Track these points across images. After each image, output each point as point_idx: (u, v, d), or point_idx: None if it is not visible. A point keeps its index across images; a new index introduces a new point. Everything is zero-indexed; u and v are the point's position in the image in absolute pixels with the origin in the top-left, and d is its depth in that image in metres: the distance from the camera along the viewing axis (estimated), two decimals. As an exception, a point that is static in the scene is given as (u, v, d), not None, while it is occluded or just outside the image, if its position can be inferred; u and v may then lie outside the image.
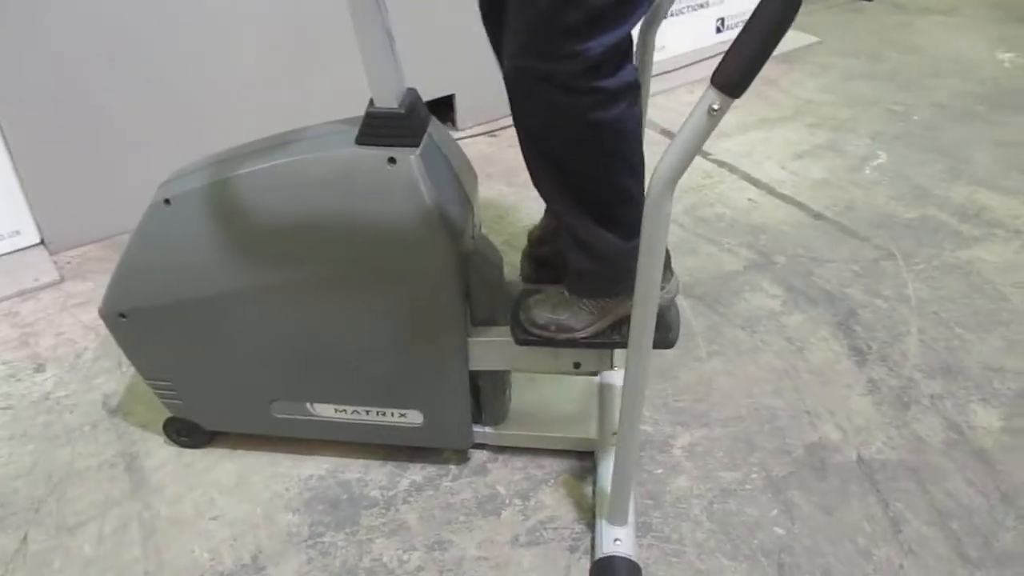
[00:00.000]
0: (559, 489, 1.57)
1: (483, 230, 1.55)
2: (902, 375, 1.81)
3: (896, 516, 1.51)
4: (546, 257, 1.58)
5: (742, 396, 1.77)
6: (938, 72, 3.24)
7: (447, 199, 1.31)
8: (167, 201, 1.35)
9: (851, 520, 1.51)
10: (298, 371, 1.50)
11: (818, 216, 2.36)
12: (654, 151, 1.08)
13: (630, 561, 1.37)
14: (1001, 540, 1.46)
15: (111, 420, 1.74)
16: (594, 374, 1.72)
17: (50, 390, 1.82)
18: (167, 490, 1.59)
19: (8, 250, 2.22)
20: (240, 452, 1.66)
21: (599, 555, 1.39)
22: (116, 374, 1.86)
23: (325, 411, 1.55)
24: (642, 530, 1.49)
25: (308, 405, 1.55)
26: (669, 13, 2.03)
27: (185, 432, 1.65)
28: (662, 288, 1.20)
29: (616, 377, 1.65)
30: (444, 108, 2.79)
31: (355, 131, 1.28)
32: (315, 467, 1.62)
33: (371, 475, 1.61)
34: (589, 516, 1.51)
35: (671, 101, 2.98)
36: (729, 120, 2.69)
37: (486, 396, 1.56)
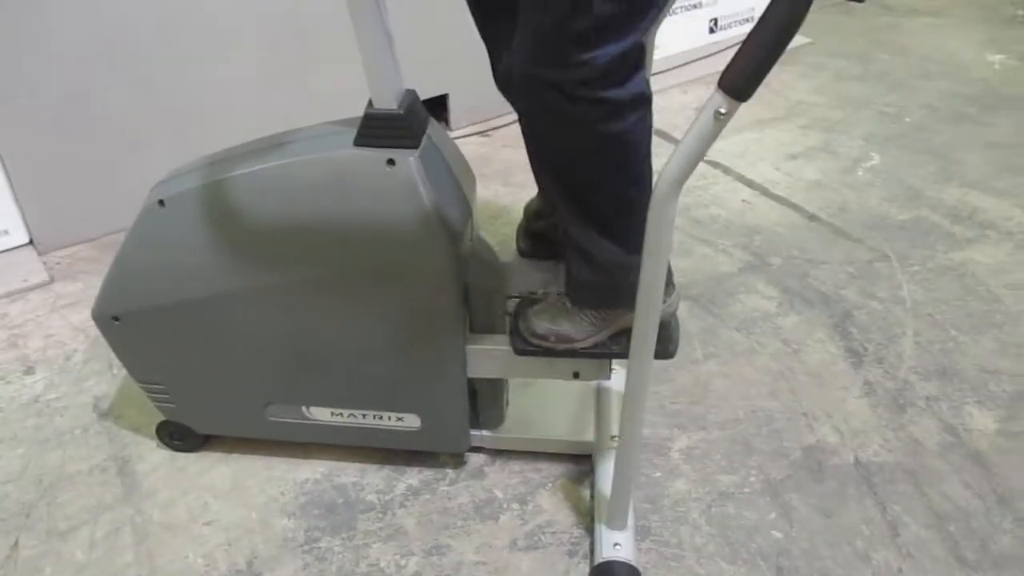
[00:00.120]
0: (557, 493, 1.56)
1: (478, 231, 1.54)
2: (898, 377, 1.81)
3: (894, 519, 1.51)
4: (543, 231, 1.57)
5: (739, 398, 1.77)
6: (928, 74, 3.24)
7: (446, 201, 1.30)
8: (162, 202, 1.33)
9: (849, 523, 1.51)
10: (294, 374, 1.49)
11: (812, 217, 2.37)
12: (647, 152, 1.08)
13: (630, 566, 1.37)
14: (998, 543, 1.47)
15: (102, 423, 1.72)
16: (591, 377, 1.72)
17: (40, 392, 1.80)
18: (160, 494, 1.57)
19: (-4, 250, 2.20)
20: (234, 456, 1.64)
21: (599, 559, 1.38)
22: (107, 376, 1.83)
23: (321, 415, 1.54)
24: (641, 534, 1.48)
25: (304, 408, 1.53)
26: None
27: (178, 436, 1.63)
28: (664, 301, 1.19)
29: (613, 380, 1.64)
30: (438, 108, 2.77)
31: (353, 132, 1.27)
32: (310, 471, 1.61)
33: (367, 479, 1.59)
34: (587, 520, 1.50)
35: (664, 101, 2.98)
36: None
37: (483, 399, 1.55)
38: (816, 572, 1.42)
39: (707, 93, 3.34)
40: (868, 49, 3.45)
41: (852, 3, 3.91)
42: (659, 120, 2.75)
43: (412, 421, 1.52)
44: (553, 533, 1.49)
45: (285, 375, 1.49)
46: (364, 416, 1.53)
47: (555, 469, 1.60)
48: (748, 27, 3.78)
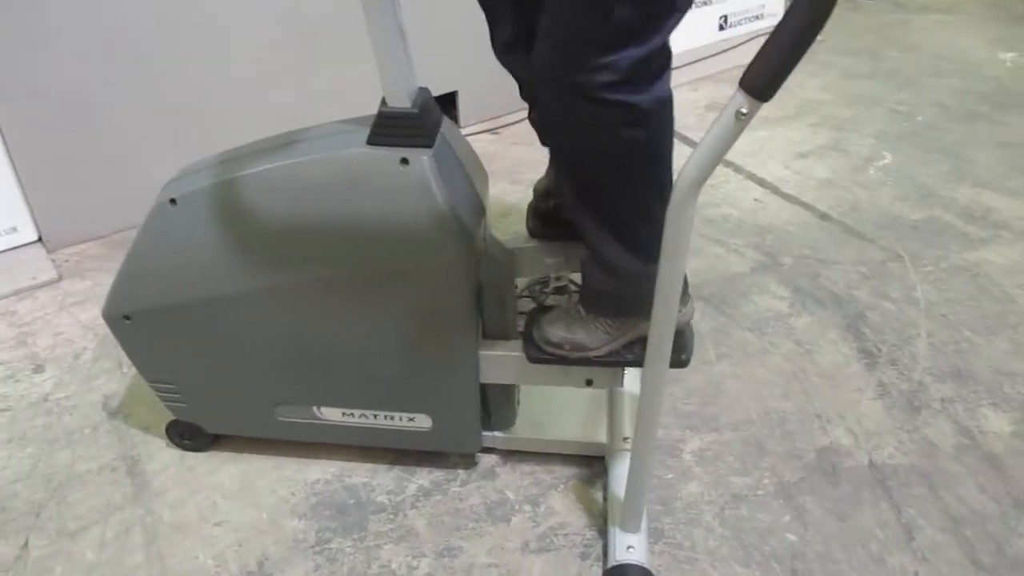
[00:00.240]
0: (569, 495, 1.55)
1: (489, 230, 1.53)
2: (912, 379, 1.80)
3: (909, 522, 1.50)
4: (552, 212, 1.56)
5: (751, 399, 1.75)
6: (939, 71, 3.22)
7: (460, 200, 1.29)
8: (173, 201, 1.32)
9: (864, 526, 1.49)
10: (305, 374, 1.48)
11: (824, 217, 2.35)
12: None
13: (643, 568, 1.35)
14: (1014, 546, 1.45)
15: (111, 422, 1.71)
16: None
17: (49, 391, 1.79)
18: (169, 494, 1.56)
19: (5, 247, 2.19)
20: (244, 455, 1.63)
21: (612, 562, 1.37)
22: (116, 375, 1.83)
23: (332, 415, 1.53)
24: (654, 536, 1.47)
25: (314, 408, 1.52)
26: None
27: (188, 435, 1.62)
28: (679, 310, 1.18)
29: (626, 382, 1.62)
30: (447, 105, 2.76)
31: (366, 131, 1.26)
32: (321, 471, 1.60)
33: (378, 480, 1.58)
34: (600, 522, 1.49)
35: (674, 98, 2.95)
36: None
37: (495, 400, 1.54)
38: (831, 576, 1.41)
39: (717, 90, 3.33)
40: (878, 46, 3.43)
41: (863, 0, 3.88)
42: (669, 118, 2.76)
43: (423, 422, 1.51)
44: (565, 535, 1.48)
45: (296, 375, 1.48)
46: (375, 416, 1.52)
47: (567, 470, 1.59)
48: (758, 24, 3.79)
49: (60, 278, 2.13)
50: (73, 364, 1.86)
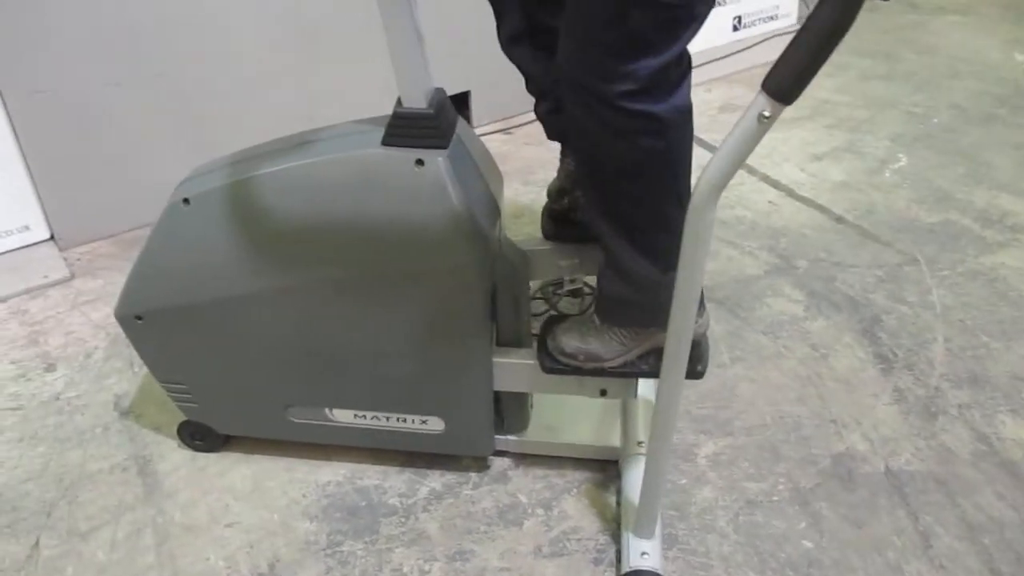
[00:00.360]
0: (582, 499, 1.54)
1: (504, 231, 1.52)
2: (929, 384, 1.78)
3: (926, 530, 1.48)
4: (565, 212, 1.55)
5: (766, 404, 1.74)
6: (956, 73, 3.20)
7: (475, 202, 1.27)
8: (186, 200, 1.32)
9: (880, 534, 1.48)
10: (317, 375, 1.47)
11: (839, 219, 2.33)
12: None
13: (657, 575, 1.34)
14: (1034, 556, 1.44)
15: (123, 422, 1.71)
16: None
17: (60, 390, 1.79)
18: (181, 495, 1.56)
19: (17, 246, 2.19)
20: (255, 456, 1.62)
21: (626, 568, 1.36)
22: (127, 374, 1.82)
23: (344, 416, 1.52)
24: (667, 542, 1.46)
25: (326, 410, 1.51)
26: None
27: (199, 436, 1.61)
28: (695, 320, 1.17)
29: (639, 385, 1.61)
30: (459, 105, 2.75)
31: (381, 131, 1.25)
32: (332, 473, 1.59)
33: (389, 482, 1.57)
34: (613, 527, 1.48)
35: (687, 100, 2.94)
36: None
37: (508, 403, 1.53)
38: (847, 584, 1.40)
39: (731, 91, 3.31)
40: (894, 48, 3.40)
41: (877, 1, 3.86)
42: (683, 119, 2.74)
43: (436, 424, 1.50)
44: (578, 540, 1.47)
45: (308, 376, 1.48)
46: (387, 418, 1.51)
47: (580, 474, 1.58)
48: (772, 25, 3.76)
49: (72, 277, 2.13)
50: (84, 363, 1.86)
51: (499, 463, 1.61)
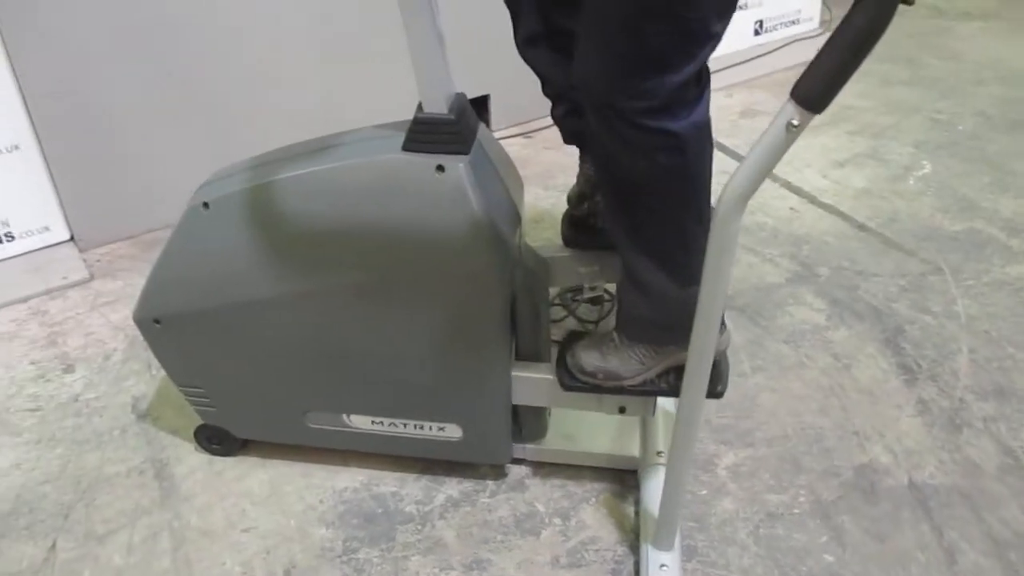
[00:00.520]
0: (600, 508, 1.52)
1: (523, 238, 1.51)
2: (953, 396, 1.75)
3: (950, 545, 1.45)
4: (585, 217, 1.55)
5: (787, 414, 1.72)
6: (980, 79, 3.16)
7: (496, 208, 1.26)
8: (206, 204, 1.31)
9: (904, 548, 1.45)
10: (335, 381, 1.46)
11: (862, 227, 2.30)
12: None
13: (676, 588, 1.33)
14: (1062, 573, 1.41)
15: (140, 425, 1.71)
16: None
17: (79, 392, 1.79)
18: (197, 499, 1.55)
19: (37, 246, 2.19)
20: (272, 461, 1.62)
21: (644, 581, 1.34)
22: (145, 376, 1.82)
23: (361, 423, 1.51)
24: (687, 554, 1.44)
25: (344, 416, 1.51)
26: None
27: (216, 440, 1.61)
28: None
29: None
30: (479, 108, 2.73)
31: (401, 136, 1.24)
32: (349, 479, 1.58)
33: (406, 489, 1.56)
34: (632, 537, 1.46)
35: (708, 105, 2.92)
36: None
37: (526, 412, 1.51)
38: (870, 599, 1.37)
39: (751, 96, 3.28)
40: (917, 53, 3.37)
41: (901, 5, 3.82)
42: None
43: (453, 431, 1.49)
44: (596, 551, 1.45)
45: (326, 382, 1.47)
46: (405, 425, 1.50)
47: (598, 484, 1.56)
48: (794, 29, 3.73)
49: (91, 278, 2.14)
50: (103, 365, 1.86)
51: (516, 471, 1.59)
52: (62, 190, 2.15)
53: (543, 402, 1.46)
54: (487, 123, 2.77)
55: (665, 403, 1.55)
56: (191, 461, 1.63)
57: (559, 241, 1.60)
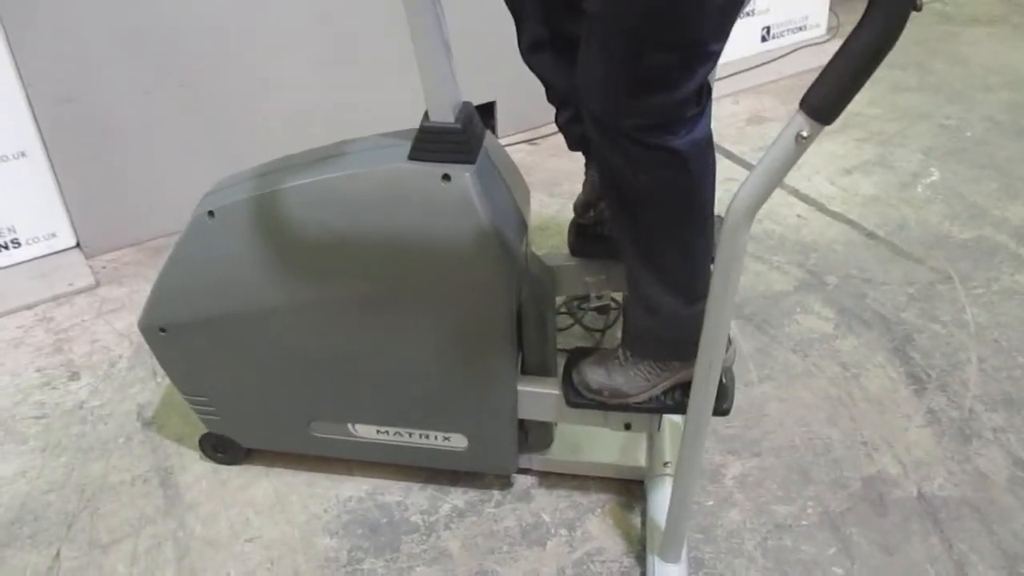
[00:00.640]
0: (606, 519, 1.51)
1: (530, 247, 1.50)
2: (963, 406, 1.74)
3: (960, 558, 1.44)
4: (592, 225, 1.55)
5: (795, 424, 1.70)
6: (988, 85, 3.14)
7: (502, 217, 1.25)
8: (211, 213, 1.31)
9: (913, 560, 1.44)
10: (340, 390, 1.46)
11: (870, 235, 2.29)
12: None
13: (683, 600, 1.32)
14: (1073, 587, 1.39)
15: (145, 433, 1.70)
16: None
17: (84, 399, 1.79)
18: (202, 508, 1.55)
19: (43, 253, 2.19)
20: (277, 470, 1.61)
21: (651, 593, 1.33)
22: (150, 384, 1.82)
23: (366, 432, 1.50)
24: (693, 565, 1.43)
25: (349, 425, 1.50)
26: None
27: (221, 448, 1.60)
28: None
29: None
30: (484, 115, 2.73)
31: (407, 145, 1.23)
32: (354, 488, 1.57)
33: (411, 499, 1.55)
34: (638, 548, 1.45)
35: (715, 111, 2.88)
36: (778, 131, 2.62)
37: (532, 422, 1.50)
38: (879, 612, 1.36)
39: (758, 103, 3.26)
40: (925, 59, 3.35)
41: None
42: (712, 132, 2.71)
43: (459, 441, 1.48)
44: (602, 562, 1.44)
45: (331, 391, 1.46)
46: (410, 435, 1.49)
47: (604, 494, 1.55)
48: (801, 35, 3.71)
49: (97, 284, 2.14)
50: (108, 372, 1.86)
51: (522, 481, 1.58)
52: (68, 196, 2.15)
53: (549, 417, 1.45)
54: (493, 130, 2.76)
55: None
56: (196, 469, 1.62)
57: (565, 248, 1.60)
